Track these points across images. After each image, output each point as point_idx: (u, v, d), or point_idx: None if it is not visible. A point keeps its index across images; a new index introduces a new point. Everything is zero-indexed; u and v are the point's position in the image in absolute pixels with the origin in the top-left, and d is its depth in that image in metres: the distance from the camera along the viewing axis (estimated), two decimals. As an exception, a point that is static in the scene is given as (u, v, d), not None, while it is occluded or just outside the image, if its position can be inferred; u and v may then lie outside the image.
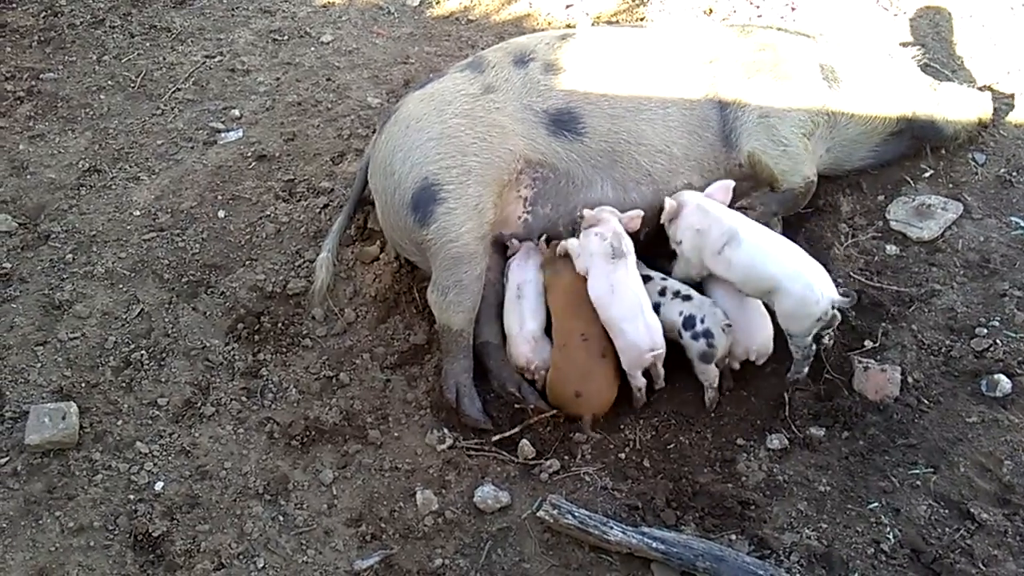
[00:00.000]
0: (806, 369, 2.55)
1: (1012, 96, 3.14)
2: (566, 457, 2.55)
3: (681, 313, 2.59)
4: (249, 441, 2.62)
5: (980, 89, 3.11)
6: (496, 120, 2.73)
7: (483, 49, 3.60)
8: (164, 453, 2.58)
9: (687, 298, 2.62)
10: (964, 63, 3.31)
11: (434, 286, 2.71)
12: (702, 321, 2.55)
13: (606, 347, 2.59)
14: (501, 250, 2.88)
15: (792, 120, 2.78)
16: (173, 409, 2.68)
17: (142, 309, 2.93)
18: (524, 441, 2.57)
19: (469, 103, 2.75)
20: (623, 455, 2.55)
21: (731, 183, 2.73)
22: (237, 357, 2.83)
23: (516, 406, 2.68)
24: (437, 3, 4.13)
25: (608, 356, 2.60)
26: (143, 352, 2.81)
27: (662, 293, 2.65)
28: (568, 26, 3.85)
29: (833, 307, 2.45)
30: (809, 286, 2.45)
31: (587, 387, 2.58)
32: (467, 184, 2.67)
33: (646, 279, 2.67)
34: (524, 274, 2.77)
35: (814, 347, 2.53)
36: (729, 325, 2.56)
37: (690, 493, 2.41)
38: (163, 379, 2.75)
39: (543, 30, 3.82)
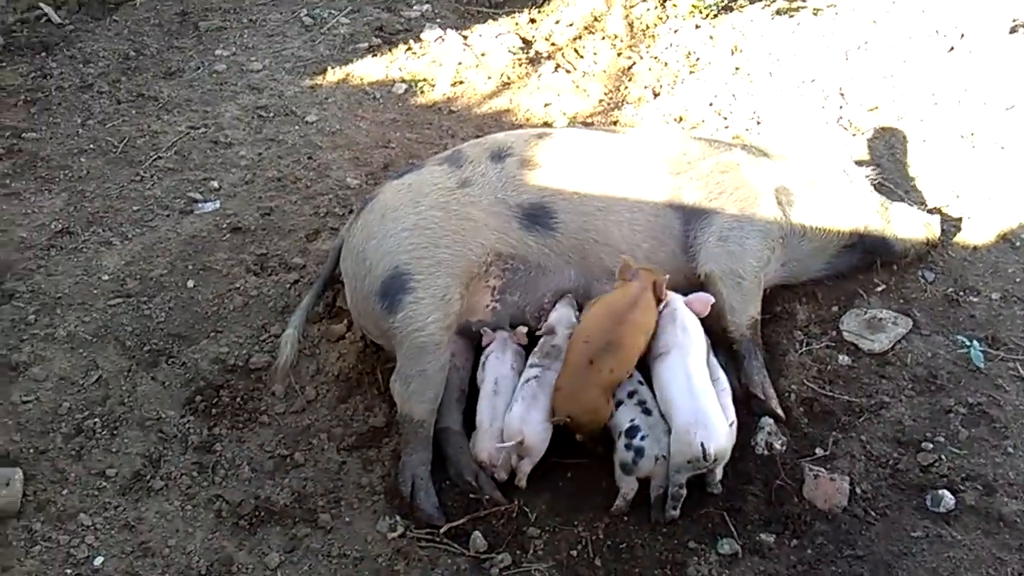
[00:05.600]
0: (675, 512, 2.53)
1: (959, 220, 3.31)
2: (518, 552, 2.53)
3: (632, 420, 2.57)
4: (196, 519, 2.57)
5: (929, 211, 3.28)
6: (470, 213, 2.81)
7: (462, 139, 3.75)
8: (107, 527, 2.52)
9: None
10: (916, 184, 3.50)
11: (397, 375, 2.73)
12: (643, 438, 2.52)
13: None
14: (466, 336, 2.92)
15: (751, 251, 2.88)
16: (121, 481, 2.63)
17: (100, 375, 2.90)
18: (476, 533, 2.54)
19: (444, 196, 2.83)
20: (575, 552, 2.53)
21: (710, 299, 2.79)
22: (192, 430, 2.79)
23: (471, 496, 2.67)
24: (421, 92, 4.28)
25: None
26: (96, 420, 2.77)
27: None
28: (546, 123, 4.01)
29: (708, 460, 2.44)
30: (689, 429, 2.45)
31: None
32: (436, 275, 2.72)
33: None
34: (501, 368, 2.78)
35: (683, 491, 2.51)
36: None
37: (640, 596, 2.40)
38: (114, 449, 2.71)
39: (521, 125, 3.98)
